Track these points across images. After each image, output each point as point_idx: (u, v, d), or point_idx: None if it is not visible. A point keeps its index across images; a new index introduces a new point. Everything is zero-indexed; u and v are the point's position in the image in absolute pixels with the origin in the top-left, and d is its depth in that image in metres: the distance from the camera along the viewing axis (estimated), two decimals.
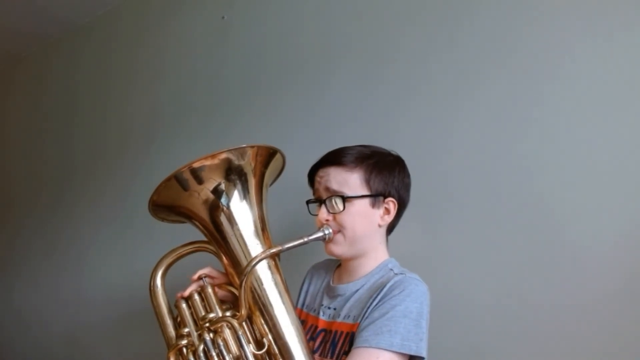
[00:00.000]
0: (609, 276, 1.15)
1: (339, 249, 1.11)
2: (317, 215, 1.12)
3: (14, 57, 2.83)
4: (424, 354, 0.99)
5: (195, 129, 1.98)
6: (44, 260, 2.48)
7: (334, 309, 1.13)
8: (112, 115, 2.32)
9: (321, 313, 1.15)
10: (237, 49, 1.90)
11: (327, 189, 1.10)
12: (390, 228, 1.18)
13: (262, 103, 1.80)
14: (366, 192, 1.09)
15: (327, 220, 1.09)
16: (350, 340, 1.03)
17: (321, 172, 1.13)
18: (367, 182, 1.10)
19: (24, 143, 2.77)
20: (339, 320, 1.09)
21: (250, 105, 1.83)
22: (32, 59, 2.78)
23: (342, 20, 1.64)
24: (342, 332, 1.07)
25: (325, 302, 1.16)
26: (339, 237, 1.10)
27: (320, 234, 1.08)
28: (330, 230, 1.09)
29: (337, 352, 1.06)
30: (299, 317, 1.19)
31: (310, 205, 1.18)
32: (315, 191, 1.16)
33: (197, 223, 1.17)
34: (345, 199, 1.08)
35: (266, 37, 1.83)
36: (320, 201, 1.12)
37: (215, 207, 1.13)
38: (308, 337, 1.13)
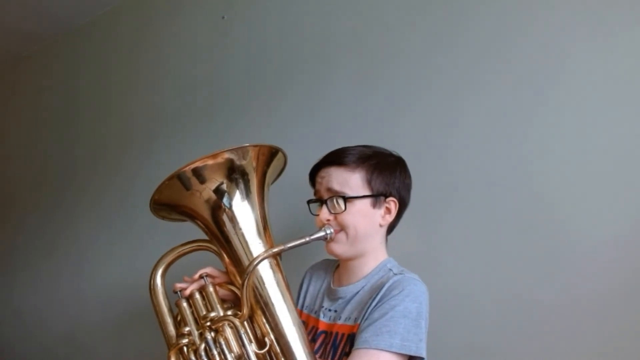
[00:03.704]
0: (608, 275, 1.15)
1: (340, 248, 1.11)
2: (318, 215, 1.12)
3: (15, 56, 2.83)
4: (423, 354, 0.99)
5: (195, 128, 1.98)
6: (44, 259, 2.48)
7: (335, 311, 1.13)
8: (113, 114, 2.32)
9: (322, 315, 1.15)
10: (237, 49, 1.90)
11: (329, 189, 1.11)
12: (390, 228, 1.18)
13: (262, 102, 1.80)
14: (367, 193, 1.09)
15: (328, 220, 1.10)
16: (350, 341, 1.04)
17: (322, 173, 1.14)
18: (369, 182, 1.10)
19: (24, 142, 2.77)
20: (340, 322, 1.09)
21: (250, 105, 1.83)
22: (32, 58, 2.78)
23: (343, 19, 1.64)
24: (343, 334, 1.07)
25: (326, 304, 1.16)
26: (341, 236, 1.10)
27: (321, 234, 1.09)
28: (332, 230, 1.09)
29: (338, 353, 1.06)
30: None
31: (311, 205, 1.18)
32: (316, 191, 1.16)
33: (199, 222, 1.18)
34: (346, 199, 1.08)
35: (266, 37, 1.83)
36: (321, 201, 1.13)
37: (217, 206, 1.13)
38: (309, 338, 1.13)
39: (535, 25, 1.30)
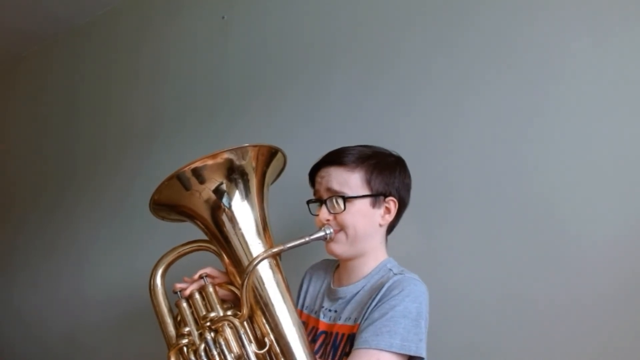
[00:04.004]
0: (608, 275, 1.15)
1: (340, 248, 1.11)
2: (317, 215, 1.12)
3: (15, 56, 2.83)
4: (423, 354, 0.99)
5: (195, 128, 1.98)
6: (44, 259, 2.48)
7: (335, 311, 1.13)
8: (113, 114, 2.32)
9: (322, 315, 1.15)
10: (237, 49, 1.90)
11: (328, 189, 1.10)
12: (390, 228, 1.18)
13: (262, 103, 1.80)
14: (367, 192, 1.09)
15: (327, 220, 1.10)
16: (351, 341, 1.03)
17: (322, 172, 1.13)
18: (368, 182, 1.10)
19: (24, 142, 2.77)
20: (340, 322, 1.09)
21: (250, 105, 1.83)
22: (32, 58, 2.78)
23: (343, 19, 1.64)
24: (343, 334, 1.07)
25: (326, 304, 1.16)
26: (340, 236, 1.10)
27: (321, 234, 1.08)
28: (332, 230, 1.09)
29: (338, 354, 1.06)
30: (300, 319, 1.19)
31: (310, 205, 1.18)
32: (315, 191, 1.16)
33: (199, 222, 1.17)
34: (346, 199, 1.08)
35: (266, 37, 1.83)
36: (321, 201, 1.12)
37: (217, 206, 1.13)
38: (309, 339, 1.13)
39: (536, 25, 1.30)
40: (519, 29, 1.32)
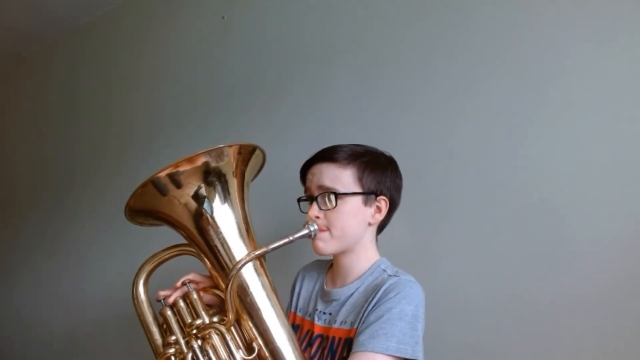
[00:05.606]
0: (608, 275, 1.14)
1: (326, 246, 1.09)
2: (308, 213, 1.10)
3: (15, 56, 2.84)
4: (420, 356, 0.98)
5: (195, 128, 1.98)
6: (45, 260, 2.48)
7: (330, 314, 1.11)
8: (113, 115, 2.32)
9: (316, 318, 1.13)
10: (237, 49, 1.90)
11: (320, 186, 1.08)
12: (381, 228, 1.16)
13: (262, 103, 1.79)
14: (358, 190, 1.08)
15: (317, 217, 1.07)
16: (348, 346, 1.02)
17: (313, 169, 1.12)
18: (360, 179, 1.08)
19: (25, 143, 2.77)
20: (336, 326, 1.08)
21: (250, 105, 1.83)
22: (32, 58, 2.78)
23: (342, 20, 1.64)
24: (340, 339, 1.06)
25: (320, 306, 1.14)
26: (325, 235, 1.08)
27: (305, 232, 1.06)
28: (316, 227, 1.07)
29: (336, 359, 1.05)
30: (294, 321, 1.18)
31: (302, 203, 1.16)
32: (306, 189, 1.14)
33: (179, 229, 1.13)
34: (337, 195, 1.06)
35: (266, 37, 1.83)
36: (311, 198, 1.10)
37: (196, 211, 1.09)
38: (305, 343, 1.12)
39: (536, 26, 1.29)
40: (520, 30, 1.31)
